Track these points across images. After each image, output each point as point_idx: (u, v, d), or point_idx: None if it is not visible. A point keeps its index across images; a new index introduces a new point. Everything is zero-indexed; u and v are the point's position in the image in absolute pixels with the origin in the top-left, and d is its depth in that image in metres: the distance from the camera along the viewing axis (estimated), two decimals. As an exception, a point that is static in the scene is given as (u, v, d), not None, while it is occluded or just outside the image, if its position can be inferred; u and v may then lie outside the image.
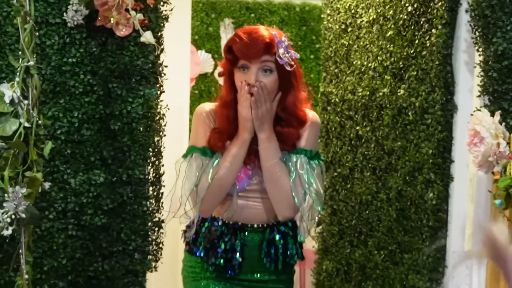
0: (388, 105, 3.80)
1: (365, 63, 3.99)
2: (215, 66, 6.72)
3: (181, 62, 4.50)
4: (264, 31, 2.69)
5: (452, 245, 3.43)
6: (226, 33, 6.84)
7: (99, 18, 3.07)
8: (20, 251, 2.73)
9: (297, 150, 2.81)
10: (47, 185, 2.80)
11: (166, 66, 3.35)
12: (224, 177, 2.73)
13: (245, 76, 2.68)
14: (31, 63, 2.68)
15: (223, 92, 2.84)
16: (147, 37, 3.04)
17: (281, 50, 2.66)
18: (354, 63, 4.09)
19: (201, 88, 6.86)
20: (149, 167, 3.26)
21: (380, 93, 3.86)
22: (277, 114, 2.78)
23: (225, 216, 2.83)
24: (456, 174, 3.41)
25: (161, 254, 3.37)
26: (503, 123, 2.92)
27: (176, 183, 2.72)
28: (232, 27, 6.82)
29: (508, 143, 2.82)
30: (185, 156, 2.81)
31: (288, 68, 2.68)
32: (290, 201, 2.75)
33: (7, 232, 2.63)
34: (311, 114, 2.88)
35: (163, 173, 3.34)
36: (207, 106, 2.86)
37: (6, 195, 2.61)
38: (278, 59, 2.66)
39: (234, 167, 2.75)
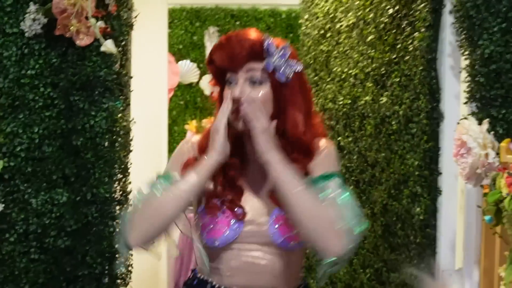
0: (370, 114, 3.77)
1: (346, 70, 3.95)
2: (201, 76, 6.76)
3: (157, 72, 4.38)
4: (252, 33, 2.23)
5: (441, 263, 3.35)
6: (211, 42, 6.90)
7: (58, 27, 2.94)
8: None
9: (316, 178, 2.23)
10: (0, 206, 2.72)
11: (131, 77, 3.27)
12: (162, 200, 2.20)
13: (232, 91, 2.21)
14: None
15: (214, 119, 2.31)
16: (108, 46, 2.94)
17: (272, 58, 2.18)
18: (334, 70, 4.05)
19: (187, 99, 6.86)
20: (116, 185, 3.13)
21: (362, 102, 3.82)
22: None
23: (215, 280, 2.31)
24: (444, 186, 3.34)
25: (130, 278, 3.23)
26: (492, 132, 2.81)
27: None
28: (217, 36, 6.89)
29: (497, 154, 2.69)
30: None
31: (282, 79, 2.19)
32: (340, 231, 2.11)
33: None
34: (322, 141, 2.35)
35: (131, 191, 3.20)
36: (195, 138, 2.42)
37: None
38: (266, 66, 2.18)
39: (182, 194, 2.19)
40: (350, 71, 3.87)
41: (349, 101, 3.89)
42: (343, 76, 3.93)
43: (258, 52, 2.18)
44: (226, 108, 2.20)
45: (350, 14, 3.81)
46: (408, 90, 3.40)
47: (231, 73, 2.22)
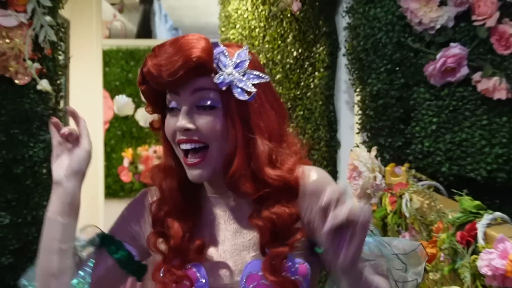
0: None
1: None
2: (136, 109, 6.71)
3: (94, 106, 4.36)
4: (196, 39, 1.45)
5: None
6: None
7: (-1, 68, 2.92)
8: None
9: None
10: None
11: (65, 112, 3.18)
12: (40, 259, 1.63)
13: (175, 119, 1.48)
14: None
15: (162, 156, 1.61)
16: (43, 85, 2.89)
17: (229, 69, 1.47)
18: None
19: (123, 129, 6.79)
20: (53, 208, 3.06)
21: None
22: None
23: None
24: None
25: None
26: (379, 158, 2.88)
27: None
28: None
29: (383, 176, 2.76)
30: None
31: (242, 97, 1.46)
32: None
33: None
34: (303, 171, 1.50)
35: (67, 213, 3.14)
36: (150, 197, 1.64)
37: None
38: (217, 81, 1.45)
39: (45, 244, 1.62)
40: None
41: None
42: None
43: (206, 64, 1.44)
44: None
45: (261, 55, 3.82)
46: (310, 122, 3.44)
47: (172, 94, 1.48)
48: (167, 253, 1.54)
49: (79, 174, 1.60)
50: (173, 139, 1.50)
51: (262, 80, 1.49)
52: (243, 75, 1.47)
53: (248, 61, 1.49)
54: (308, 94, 3.46)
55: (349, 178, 2.87)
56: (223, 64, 1.46)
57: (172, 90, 1.47)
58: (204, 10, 6.95)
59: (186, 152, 1.48)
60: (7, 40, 2.87)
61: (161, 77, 1.42)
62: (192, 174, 1.49)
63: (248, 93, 1.46)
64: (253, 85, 1.47)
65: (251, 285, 1.49)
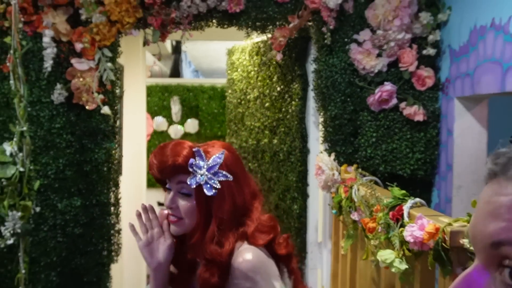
0: (267, 150, 3.73)
1: (253, 123, 3.90)
2: (168, 126, 6.68)
3: (139, 124, 4.34)
4: (182, 147, 1.44)
5: (309, 239, 3.35)
6: (174, 105, 6.71)
7: (75, 98, 2.90)
8: (19, 254, 2.52)
9: None
10: (37, 209, 2.65)
11: (120, 128, 3.18)
12: None
13: (167, 196, 1.50)
14: (24, 128, 2.48)
15: None
16: (105, 110, 2.87)
17: (197, 174, 1.43)
18: (246, 123, 4.00)
19: (160, 140, 6.73)
20: (111, 194, 3.06)
21: (262, 142, 3.78)
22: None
23: None
24: (311, 193, 3.36)
25: (120, 251, 3.16)
26: (336, 160, 2.87)
27: None
28: (178, 101, 6.71)
29: (339, 173, 2.74)
30: None
31: (208, 192, 1.42)
32: None
33: (9, 242, 2.44)
34: (238, 260, 1.38)
35: (120, 198, 3.14)
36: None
37: (6, 217, 2.43)
38: (189, 182, 1.43)
39: None
40: (255, 124, 3.83)
41: (255, 142, 3.84)
42: (251, 127, 3.90)
43: (183, 168, 1.42)
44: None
45: (255, 90, 3.82)
46: (289, 135, 3.42)
47: (166, 181, 1.49)
48: None
49: (169, 262, 1.52)
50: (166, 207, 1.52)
51: (228, 179, 1.43)
52: (214, 175, 1.43)
53: (220, 164, 1.43)
54: (288, 116, 3.44)
55: (316, 174, 2.84)
56: (198, 166, 1.43)
57: (163, 179, 1.48)
58: (217, 58, 6.95)
59: None
60: (81, 79, 2.86)
61: (155, 173, 1.46)
62: (172, 229, 1.50)
63: (215, 188, 1.42)
64: (219, 181, 1.43)
65: None
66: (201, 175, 1.43)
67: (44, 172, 2.91)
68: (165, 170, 1.43)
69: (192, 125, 6.69)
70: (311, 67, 3.12)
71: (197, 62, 8.45)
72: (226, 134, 4.43)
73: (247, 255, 1.39)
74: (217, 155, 1.45)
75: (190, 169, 1.43)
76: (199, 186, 1.43)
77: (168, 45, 6.90)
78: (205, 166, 1.43)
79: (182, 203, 1.46)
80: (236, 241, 1.43)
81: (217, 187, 1.42)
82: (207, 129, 6.68)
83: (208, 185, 1.42)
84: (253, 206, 1.48)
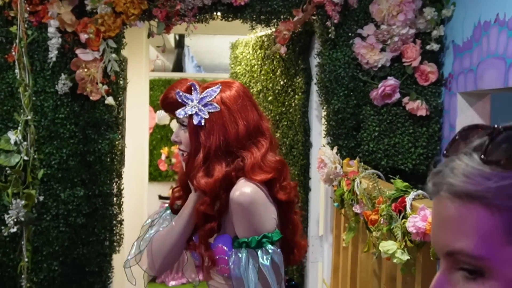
0: None
1: None
2: (170, 120, 6.66)
3: (142, 117, 4.35)
4: (178, 84, 1.53)
5: (311, 232, 3.35)
6: None
7: (79, 88, 2.90)
8: (22, 242, 2.52)
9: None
10: (41, 198, 2.66)
11: (123, 120, 3.18)
12: (162, 239, 1.55)
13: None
14: (29, 117, 2.48)
15: None
16: (109, 100, 2.88)
17: (186, 106, 1.48)
18: None
19: (162, 134, 6.73)
20: (114, 185, 3.06)
21: None
22: None
23: None
24: (313, 186, 3.36)
25: (122, 241, 3.16)
26: (339, 154, 2.86)
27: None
28: None
29: (341, 167, 2.75)
30: None
31: (197, 123, 1.46)
32: None
33: (13, 230, 2.45)
34: (235, 194, 1.41)
35: (123, 189, 3.14)
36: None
37: (10, 205, 2.43)
38: (176, 114, 1.50)
39: (175, 229, 1.52)
40: None
41: None
42: None
43: (175, 103, 1.50)
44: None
45: (258, 83, 3.82)
46: (291, 129, 3.42)
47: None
48: None
49: None
50: None
51: (216, 110, 1.47)
52: (204, 106, 1.47)
53: (213, 96, 1.48)
54: (290, 110, 3.44)
55: (318, 168, 2.85)
56: (188, 98, 1.48)
57: (169, 112, 1.56)
58: (219, 54, 6.93)
59: None
60: (85, 70, 2.87)
61: (164, 110, 1.58)
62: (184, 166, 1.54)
63: (204, 118, 1.46)
64: (209, 112, 1.47)
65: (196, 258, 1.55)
66: (192, 107, 1.48)
67: (47, 162, 2.91)
68: (166, 105, 1.53)
69: (194, 119, 6.68)
70: (314, 61, 3.12)
71: (200, 57, 8.44)
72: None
73: (244, 188, 1.41)
74: (211, 88, 1.50)
75: (180, 101, 1.49)
76: (191, 117, 1.49)
77: (171, 39, 6.90)
78: (196, 99, 1.49)
79: (183, 135, 1.53)
80: (232, 173, 1.45)
81: (205, 117, 1.47)
82: (209, 123, 6.67)
83: (198, 116, 1.47)
84: (255, 141, 1.49)
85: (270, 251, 1.38)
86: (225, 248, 1.43)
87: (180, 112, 1.50)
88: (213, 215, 1.44)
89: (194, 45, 7.25)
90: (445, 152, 0.68)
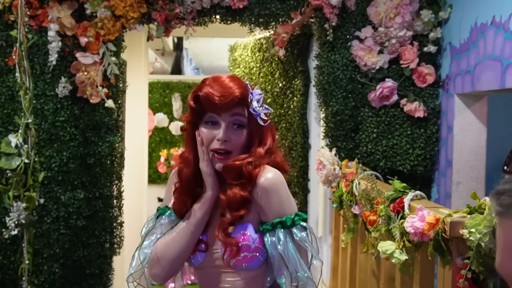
0: None
1: None
2: (169, 122, 6.68)
3: (141, 120, 4.35)
4: (237, 80, 1.47)
5: None
6: (175, 102, 6.70)
7: (79, 91, 2.91)
8: (23, 245, 2.53)
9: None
10: (41, 200, 2.67)
11: (123, 123, 3.18)
12: (172, 242, 1.49)
13: (213, 131, 1.46)
14: (29, 120, 2.49)
15: (184, 149, 1.57)
16: (109, 103, 2.88)
17: (254, 103, 1.47)
18: None
19: (161, 136, 6.75)
20: (114, 187, 3.07)
21: None
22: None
23: None
24: (312, 188, 3.36)
25: (122, 243, 3.17)
26: (337, 155, 2.88)
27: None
28: (179, 98, 6.69)
29: (340, 168, 2.76)
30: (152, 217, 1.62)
31: (261, 123, 1.47)
32: None
33: (14, 232, 2.47)
34: (262, 169, 1.45)
35: (123, 191, 3.15)
36: (174, 170, 1.60)
37: (11, 208, 2.45)
38: (252, 112, 1.46)
39: (191, 229, 1.48)
40: None
41: None
42: None
43: (245, 99, 1.45)
44: (203, 151, 1.48)
45: (256, 86, 3.82)
46: (290, 131, 3.43)
47: (213, 114, 1.45)
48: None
49: None
50: (208, 144, 1.47)
51: (270, 111, 1.50)
52: (261, 107, 1.47)
53: (263, 98, 1.50)
54: (289, 112, 3.45)
55: (317, 169, 2.87)
56: (252, 99, 1.47)
57: (217, 111, 1.44)
58: (218, 56, 6.95)
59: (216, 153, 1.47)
60: (85, 73, 2.88)
61: (215, 102, 1.41)
62: (220, 165, 1.46)
63: (264, 120, 1.47)
64: (265, 114, 1.48)
65: (225, 250, 1.45)
66: (255, 107, 1.47)
67: (48, 165, 2.93)
68: (230, 100, 1.42)
69: (192, 122, 6.69)
70: (313, 63, 3.14)
71: (198, 60, 8.46)
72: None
73: (270, 172, 1.45)
74: (256, 88, 1.51)
75: (250, 99, 1.46)
76: (250, 118, 1.47)
77: (170, 42, 6.92)
78: (254, 99, 1.48)
79: (235, 136, 1.46)
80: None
81: (266, 119, 1.48)
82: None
83: (260, 118, 1.47)
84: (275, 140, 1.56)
85: (305, 225, 1.44)
86: (249, 234, 1.44)
87: (254, 112, 1.46)
88: (248, 200, 1.45)
89: (192, 47, 7.27)
90: (505, 168, 0.64)
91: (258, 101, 1.47)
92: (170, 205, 1.55)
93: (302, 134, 3.29)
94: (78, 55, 2.88)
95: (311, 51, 3.24)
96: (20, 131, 2.50)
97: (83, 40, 2.87)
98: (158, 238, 1.50)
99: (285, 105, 3.48)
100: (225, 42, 4.39)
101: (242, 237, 1.44)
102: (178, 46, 7.52)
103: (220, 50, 5.53)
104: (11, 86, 2.90)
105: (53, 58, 2.86)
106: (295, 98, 3.37)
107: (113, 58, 2.91)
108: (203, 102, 1.44)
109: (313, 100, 3.21)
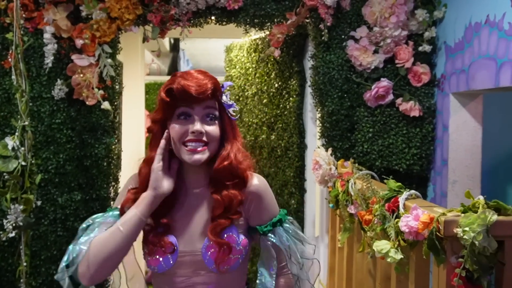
0: (265, 146, 3.72)
1: (251, 119, 3.89)
2: None
3: (138, 121, 4.35)
4: (208, 74, 1.47)
5: (307, 233, 3.36)
6: None
7: (75, 93, 2.91)
8: (21, 247, 2.54)
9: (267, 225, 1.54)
10: (39, 202, 2.68)
11: (120, 124, 3.18)
12: (104, 239, 1.39)
13: (186, 125, 1.42)
14: (26, 123, 2.50)
15: (150, 152, 1.49)
16: (106, 105, 2.88)
17: (224, 97, 1.49)
18: (244, 119, 3.99)
19: None
20: (110, 189, 3.06)
21: (260, 138, 3.78)
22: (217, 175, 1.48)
23: None
24: (308, 188, 3.37)
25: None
26: (333, 155, 2.88)
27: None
28: None
29: (336, 168, 2.77)
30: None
31: (233, 115, 1.50)
32: None
33: (11, 235, 2.48)
34: (250, 174, 1.53)
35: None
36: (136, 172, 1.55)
37: (8, 210, 2.45)
38: (224, 104, 1.48)
39: (122, 229, 1.39)
40: (253, 120, 3.83)
41: (253, 138, 3.84)
42: (249, 123, 3.89)
43: (219, 91, 1.47)
44: (162, 145, 1.44)
45: (253, 86, 3.82)
46: (286, 131, 3.43)
47: (186, 108, 1.43)
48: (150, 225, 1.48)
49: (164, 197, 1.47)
50: (180, 138, 1.43)
51: (237, 108, 1.53)
52: (230, 102, 1.52)
53: (229, 93, 1.53)
54: (285, 112, 3.45)
55: (313, 169, 2.87)
56: (225, 93, 1.50)
57: (189, 105, 1.42)
58: (214, 56, 6.94)
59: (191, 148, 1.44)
60: (81, 75, 2.88)
61: (191, 93, 1.40)
62: (195, 157, 1.43)
63: (232, 114, 1.51)
64: (235, 109, 1.52)
65: (209, 252, 1.47)
66: (225, 100, 1.51)
67: (44, 167, 2.93)
68: (205, 93, 1.41)
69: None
70: (308, 63, 3.14)
71: (195, 60, 8.46)
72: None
73: (257, 177, 1.56)
74: (227, 84, 1.54)
75: (223, 93, 1.50)
76: (221, 111, 1.49)
77: (166, 43, 6.91)
78: (225, 92, 1.52)
79: (210, 128, 1.45)
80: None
81: (234, 114, 1.52)
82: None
83: (231, 110, 1.51)
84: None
85: (291, 219, 1.63)
86: (235, 236, 1.48)
87: (227, 103, 1.50)
88: (241, 203, 1.50)
89: (189, 48, 7.27)
90: None
91: (226, 96, 1.50)
92: (119, 206, 1.50)
93: (298, 134, 3.30)
94: (74, 57, 2.88)
95: (307, 51, 3.25)
96: (16, 133, 2.51)
97: (79, 42, 2.87)
98: (95, 235, 1.43)
99: (281, 105, 3.48)
100: (223, 43, 4.39)
101: (229, 239, 1.47)
102: (175, 47, 7.53)
103: (217, 51, 5.53)
104: (7, 89, 2.90)
105: (49, 60, 2.86)
106: (291, 98, 3.38)
107: (109, 60, 2.91)
108: (177, 95, 1.41)
109: (309, 100, 3.21)
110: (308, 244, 1.61)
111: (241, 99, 3.99)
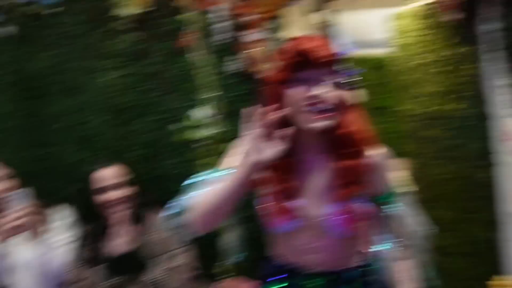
0: (445, 117, 3.43)
1: (428, 89, 3.63)
2: None
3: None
4: (329, 41, 1.42)
5: (502, 209, 3.07)
6: None
7: (245, 69, 2.95)
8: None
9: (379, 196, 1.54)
10: None
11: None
12: (214, 193, 1.38)
13: (310, 89, 1.36)
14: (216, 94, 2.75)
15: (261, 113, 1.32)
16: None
17: (348, 64, 1.43)
18: (416, 90, 3.71)
19: None
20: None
21: (439, 108, 3.50)
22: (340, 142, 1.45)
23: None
24: (498, 160, 3.07)
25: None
26: None
27: None
28: None
29: None
30: None
31: (356, 86, 1.45)
32: None
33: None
34: (376, 151, 1.51)
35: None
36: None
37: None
38: (348, 72, 1.41)
39: (227, 187, 1.35)
40: (431, 89, 3.58)
41: (432, 108, 3.56)
42: (423, 94, 3.64)
43: (341, 58, 1.41)
44: (278, 113, 1.31)
45: (427, 54, 3.60)
46: (468, 100, 3.22)
47: (312, 72, 1.36)
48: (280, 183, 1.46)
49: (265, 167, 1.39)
50: (303, 103, 1.37)
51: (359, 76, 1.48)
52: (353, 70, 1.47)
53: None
54: (463, 80, 3.25)
55: (504, 140, 2.66)
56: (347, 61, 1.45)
57: (315, 67, 1.36)
58: (370, 29, 6.71)
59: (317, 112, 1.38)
60: (250, 50, 2.91)
61: (322, 56, 1.36)
62: (322, 123, 1.39)
63: (351, 82, 1.44)
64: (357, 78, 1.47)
65: (332, 216, 1.45)
66: (349, 67, 1.44)
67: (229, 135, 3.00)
68: (334, 57, 1.38)
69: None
70: (483, 27, 2.92)
71: (351, 34, 8.31)
72: (391, 103, 4.22)
73: (377, 149, 1.52)
74: (347, 49, 1.45)
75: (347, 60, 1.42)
76: (346, 78, 1.42)
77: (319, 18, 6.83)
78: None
79: (336, 94, 1.38)
80: None
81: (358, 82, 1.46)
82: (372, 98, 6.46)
83: (350, 76, 1.44)
84: None
85: (407, 193, 1.72)
86: (359, 204, 1.49)
87: (349, 71, 1.44)
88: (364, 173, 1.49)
89: (344, 22, 7.10)
90: None
91: (350, 64, 1.43)
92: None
93: (480, 103, 3.08)
94: (242, 33, 2.92)
95: (480, 15, 2.98)
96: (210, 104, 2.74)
97: (247, 19, 2.92)
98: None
99: (458, 73, 3.28)
100: (375, 15, 4.19)
101: (353, 207, 1.46)
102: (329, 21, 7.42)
103: (372, 24, 5.31)
104: (185, 66, 2.98)
105: (220, 37, 2.93)
106: (468, 66, 3.17)
107: (277, 35, 2.90)
108: (309, 57, 1.36)
109: (488, 67, 2.98)
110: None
111: (415, 68, 3.79)
